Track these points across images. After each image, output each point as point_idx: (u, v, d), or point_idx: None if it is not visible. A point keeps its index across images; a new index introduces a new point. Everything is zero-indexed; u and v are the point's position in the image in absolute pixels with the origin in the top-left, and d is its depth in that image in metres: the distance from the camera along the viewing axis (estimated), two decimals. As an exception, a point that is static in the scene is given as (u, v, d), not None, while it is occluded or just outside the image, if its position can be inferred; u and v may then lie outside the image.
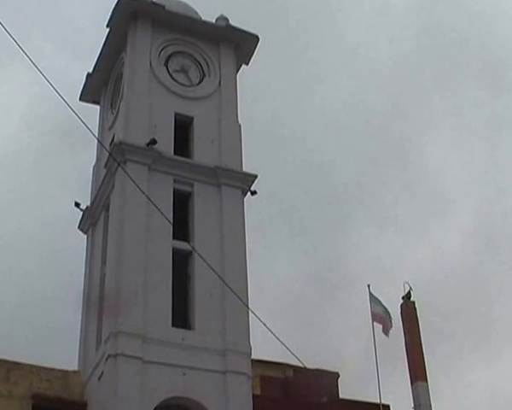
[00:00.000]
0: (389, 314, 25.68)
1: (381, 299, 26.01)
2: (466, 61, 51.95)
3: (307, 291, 43.62)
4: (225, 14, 28.83)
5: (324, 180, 47.78)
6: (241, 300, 21.57)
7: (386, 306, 25.83)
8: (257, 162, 27.48)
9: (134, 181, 21.33)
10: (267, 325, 17.58)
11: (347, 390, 26.93)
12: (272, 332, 16.89)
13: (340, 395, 26.88)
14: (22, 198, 45.04)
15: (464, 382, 43.25)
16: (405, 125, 51.76)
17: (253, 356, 23.11)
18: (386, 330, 25.32)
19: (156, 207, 20.31)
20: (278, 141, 47.93)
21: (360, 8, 54.15)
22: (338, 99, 51.16)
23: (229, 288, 21.40)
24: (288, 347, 17.65)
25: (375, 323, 25.58)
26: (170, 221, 22.49)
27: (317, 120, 50.00)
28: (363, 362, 30.34)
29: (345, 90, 51.27)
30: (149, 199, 21.15)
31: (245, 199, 25.52)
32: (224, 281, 21.82)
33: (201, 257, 21.27)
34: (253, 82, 33.05)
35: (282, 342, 17.05)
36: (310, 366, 21.05)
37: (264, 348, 23.69)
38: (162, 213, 20.79)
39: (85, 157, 31.29)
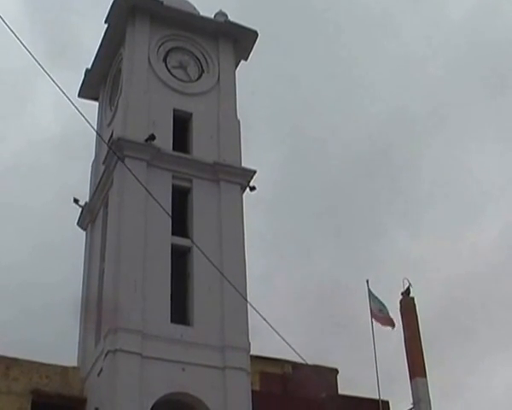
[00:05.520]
0: (386, 309, 25.73)
1: (377, 295, 26.06)
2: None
3: (313, 295, 43.63)
4: (224, 10, 28.83)
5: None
6: (240, 294, 21.54)
7: (389, 303, 25.94)
8: (256, 158, 27.44)
9: (134, 175, 21.27)
10: (265, 320, 17.53)
11: (346, 386, 27.01)
12: (272, 327, 16.87)
13: (340, 391, 26.93)
14: (21, 196, 45.05)
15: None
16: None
17: (252, 352, 23.12)
18: (389, 324, 25.40)
19: (156, 200, 20.28)
20: (277, 137, 47.91)
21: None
22: (340, 98, 51.10)
23: (228, 280, 21.35)
24: (287, 343, 17.62)
25: (373, 319, 25.64)
26: (169, 213, 22.50)
27: (321, 118, 49.82)
28: (362, 358, 30.29)
29: (351, 88, 51.18)
30: (149, 192, 21.09)
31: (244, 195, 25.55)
32: (222, 273, 21.79)
33: (200, 250, 21.23)
34: (251, 78, 32.99)
35: (281, 337, 17.02)
36: (309, 362, 21.05)
37: (263, 344, 23.69)
38: (161, 206, 20.74)
39: (84, 154, 31.28)
